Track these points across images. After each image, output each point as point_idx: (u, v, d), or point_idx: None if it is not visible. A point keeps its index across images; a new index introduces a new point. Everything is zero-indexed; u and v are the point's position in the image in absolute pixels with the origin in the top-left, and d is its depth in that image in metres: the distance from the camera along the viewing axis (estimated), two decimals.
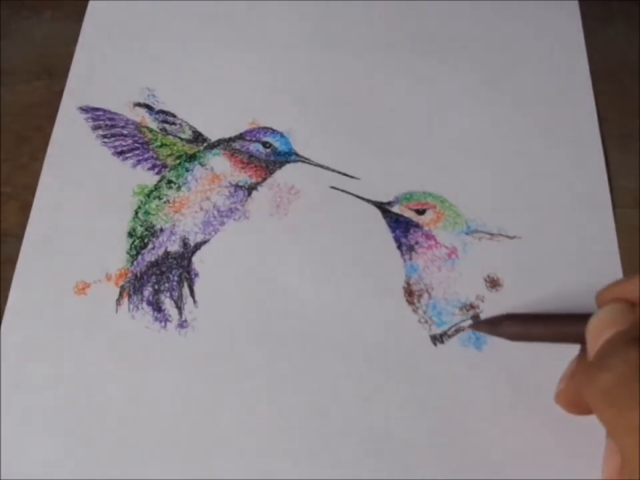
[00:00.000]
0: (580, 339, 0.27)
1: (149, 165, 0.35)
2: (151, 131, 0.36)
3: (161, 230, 0.34)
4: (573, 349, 0.28)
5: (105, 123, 0.36)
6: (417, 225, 0.34)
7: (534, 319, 0.29)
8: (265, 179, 0.35)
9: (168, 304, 0.32)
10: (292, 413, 0.30)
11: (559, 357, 0.31)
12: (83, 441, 0.29)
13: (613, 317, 0.24)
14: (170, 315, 0.32)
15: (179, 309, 0.32)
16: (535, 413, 0.30)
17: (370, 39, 0.40)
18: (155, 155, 0.36)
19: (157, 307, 0.32)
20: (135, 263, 0.33)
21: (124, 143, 0.36)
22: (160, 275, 0.33)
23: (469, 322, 0.32)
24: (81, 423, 0.29)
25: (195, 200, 0.35)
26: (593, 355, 0.24)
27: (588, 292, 0.32)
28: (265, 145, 0.36)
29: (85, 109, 0.37)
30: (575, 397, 0.27)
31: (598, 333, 0.24)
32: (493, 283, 0.33)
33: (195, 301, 0.32)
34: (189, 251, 0.33)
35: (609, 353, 0.23)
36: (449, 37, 0.40)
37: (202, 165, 0.35)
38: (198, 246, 0.33)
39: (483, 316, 0.32)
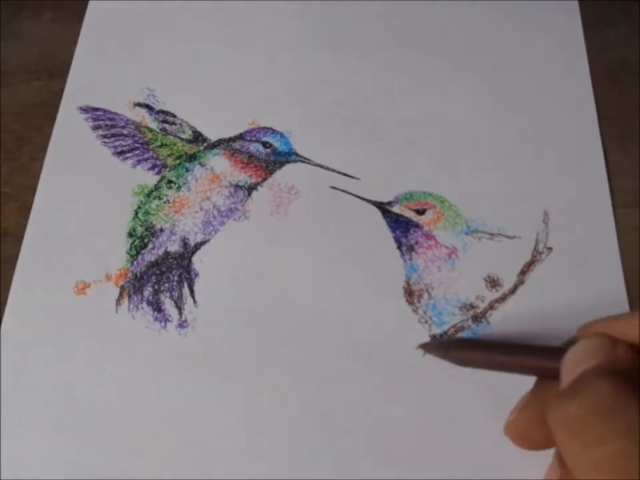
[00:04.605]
0: (536, 372, 0.26)
1: (149, 165, 0.35)
2: (151, 130, 0.36)
3: (161, 230, 0.34)
4: None
5: (105, 122, 0.36)
6: (417, 225, 0.34)
7: (489, 346, 0.28)
8: (265, 179, 0.35)
9: (168, 304, 0.32)
10: (292, 413, 0.30)
11: None
12: (83, 441, 0.29)
13: (592, 350, 0.23)
14: (170, 315, 0.32)
15: (179, 309, 0.32)
16: None
17: (370, 39, 0.40)
18: (155, 155, 0.36)
19: (157, 307, 0.32)
20: (134, 263, 0.33)
21: (124, 143, 0.36)
22: (160, 274, 0.33)
23: (470, 322, 0.32)
24: (81, 422, 0.29)
25: (195, 200, 0.35)
26: (564, 387, 0.23)
27: (588, 292, 0.32)
28: (265, 145, 0.36)
29: (85, 109, 0.37)
30: (525, 431, 0.26)
31: (574, 364, 0.23)
32: (493, 283, 0.33)
33: (195, 301, 0.32)
34: (189, 251, 0.33)
35: (582, 384, 0.22)
36: (448, 36, 0.40)
37: (202, 165, 0.35)
38: (198, 246, 0.33)
39: (482, 316, 0.32)
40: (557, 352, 0.25)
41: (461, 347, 0.29)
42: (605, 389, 0.20)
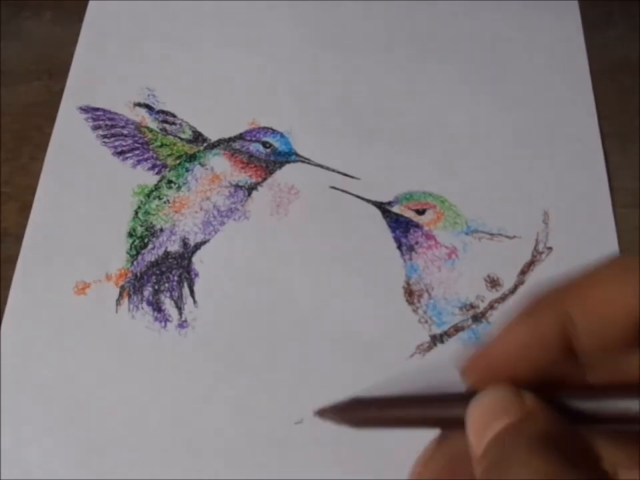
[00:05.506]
0: (438, 423, 0.21)
1: (149, 165, 0.35)
2: (151, 130, 0.36)
3: (161, 230, 0.34)
4: None
5: (105, 123, 0.36)
6: (417, 225, 0.34)
7: (385, 402, 0.23)
8: (264, 179, 0.35)
9: (168, 304, 0.32)
10: (292, 412, 0.30)
11: None
12: (83, 441, 0.29)
13: (499, 405, 0.18)
14: (170, 315, 0.32)
15: (179, 309, 0.32)
16: None
17: (370, 39, 0.40)
18: (155, 155, 0.36)
19: (157, 307, 0.32)
20: (134, 263, 0.33)
21: (124, 143, 0.36)
22: (160, 274, 0.33)
23: (470, 322, 0.32)
24: (81, 422, 0.29)
25: (195, 200, 0.35)
26: (481, 455, 0.18)
27: None
28: (265, 144, 0.36)
29: (85, 109, 0.37)
30: None
31: (483, 425, 0.19)
32: (493, 283, 0.33)
33: (195, 301, 0.32)
34: (189, 251, 0.33)
35: (506, 460, 0.17)
36: (448, 37, 0.40)
37: (202, 165, 0.35)
38: (198, 246, 0.33)
39: (482, 316, 0.32)
40: (458, 399, 0.22)
41: (355, 407, 0.23)
42: (538, 468, 0.16)
